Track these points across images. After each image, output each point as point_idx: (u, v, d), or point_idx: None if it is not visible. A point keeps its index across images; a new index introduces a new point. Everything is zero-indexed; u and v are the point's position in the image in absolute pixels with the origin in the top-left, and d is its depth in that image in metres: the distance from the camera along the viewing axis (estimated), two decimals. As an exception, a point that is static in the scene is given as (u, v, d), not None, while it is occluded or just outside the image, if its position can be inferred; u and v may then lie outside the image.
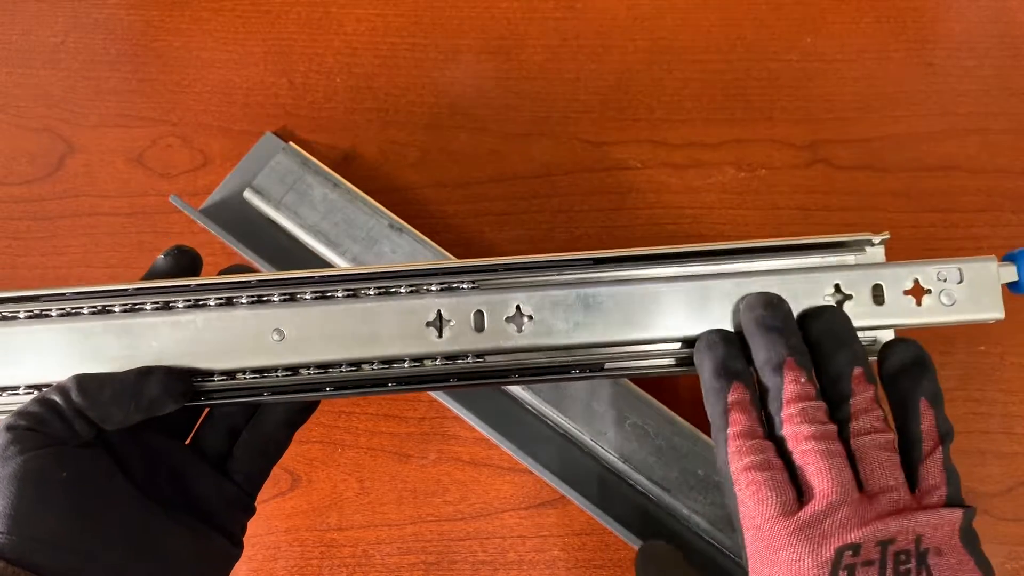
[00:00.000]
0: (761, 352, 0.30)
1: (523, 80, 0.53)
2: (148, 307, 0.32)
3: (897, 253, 0.50)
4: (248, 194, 0.48)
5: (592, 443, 0.44)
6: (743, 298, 0.32)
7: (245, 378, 0.32)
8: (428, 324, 0.32)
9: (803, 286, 0.32)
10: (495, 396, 0.46)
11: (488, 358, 0.32)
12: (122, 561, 0.28)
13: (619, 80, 0.53)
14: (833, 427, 0.29)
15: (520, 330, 0.32)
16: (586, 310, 0.32)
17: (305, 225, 0.47)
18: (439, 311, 0.32)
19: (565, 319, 0.32)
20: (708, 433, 0.44)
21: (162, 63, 0.54)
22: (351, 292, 0.32)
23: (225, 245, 0.47)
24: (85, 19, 0.55)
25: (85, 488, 0.29)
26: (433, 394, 0.45)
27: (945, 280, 0.33)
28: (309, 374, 0.32)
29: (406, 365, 0.32)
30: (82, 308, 0.32)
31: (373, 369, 0.32)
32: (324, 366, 0.32)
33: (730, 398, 0.30)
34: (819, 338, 0.31)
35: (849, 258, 0.34)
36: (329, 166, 0.49)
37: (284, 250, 0.48)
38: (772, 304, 0.31)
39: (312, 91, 0.53)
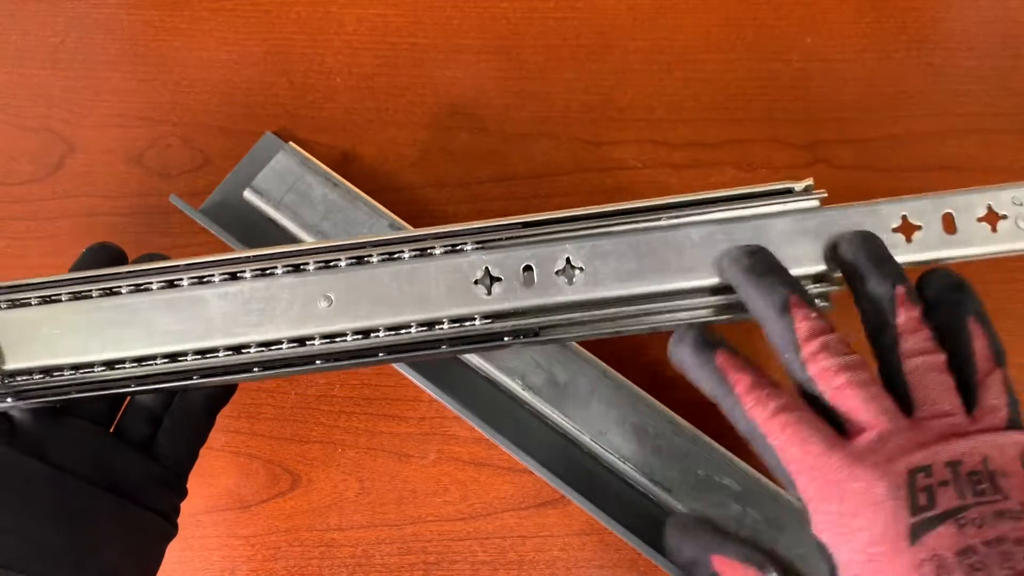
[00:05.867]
0: (759, 300, 0.29)
1: (523, 80, 0.53)
2: (185, 282, 0.33)
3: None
4: (248, 194, 0.48)
5: (592, 443, 0.44)
6: (722, 255, 0.31)
7: (283, 348, 0.32)
8: (476, 282, 0.32)
9: (867, 219, 0.31)
10: (494, 394, 0.46)
11: (542, 316, 0.32)
12: (52, 536, 0.30)
13: (619, 80, 0.53)
14: (860, 357, 0.27)
15: (571, 283, 0.32)
16: (639, 259, 0.31)
17: (305, 225, 0.47)
18: (487, 268, 0.32)
19: (617, 269, 0.31)
20: (708, 433, 0.44)
21: (162, 63, 0.54)
22: (386, 256, 0.33)
23: (225, 245, 0.47)
24: (85, 19, 0.55)
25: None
26: (434, 395, 0.44)
27: (1022, 204, 0.32)
28: (353, 340, 0.32)
29: (446, 326, 0.32)
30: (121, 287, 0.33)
31: (422, 332, 0.32)
32: (371, 331, 0.32)
33: (717, 362, 0.29)
34: (852, 262, 0.29)
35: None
36: (329, 166, 0.49)
37: (284, 250, 0.48)
38: (755, 252, 0.30)
39: (312, 91, 0.53)
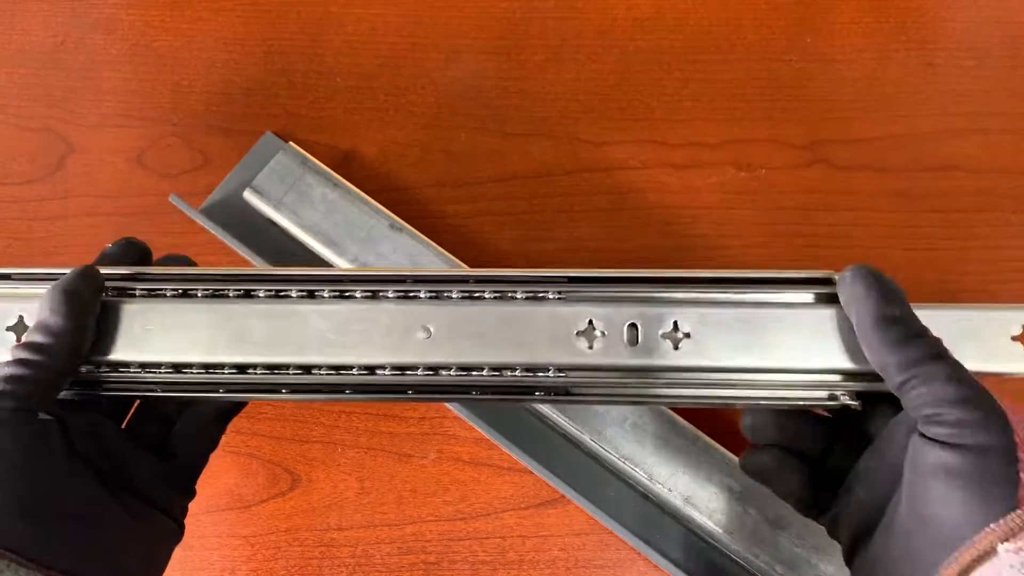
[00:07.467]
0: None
1: (523, 80, 0.53)
2: (294, 294, 0.32)
3: (897, 253, 0.50)
4: (248, 194, 0.48)
5: (592, 443, 0.44)
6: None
7: (385, 374, 0.31)
8: (579, 334, 0.30)
9: (987, 324, 0.30)
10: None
11: (642, 376, 0.30)
12: (74, 531, 0.30)
13: (619, 80, 0.53)
14: None
15: (676, 347, 0.30)
16: (747, 333, 0.30)
17: (305, 225, 0.47)
18: (590, 320, 0.30)
19: (725, 340, 0.30)
20: (708, 433, 0.44)
21: (162, 63, 0.54)
22: (499, 294, 0.31)
23: (225, 245, 0.47)
24: (85, 19, 0.55)
25: (39, 463, 0.30)
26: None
27: None
28: (450, 375, 0.31)
29: (550, 374, 0.31)
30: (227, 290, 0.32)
31: (515, 376, 0.31)
32: (468, 368, 0.31)
33: None
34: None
35: None
36: (329, 166, 0.49)
37: (284, 250, 0.48)
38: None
39: (312, 91, 0.53)
